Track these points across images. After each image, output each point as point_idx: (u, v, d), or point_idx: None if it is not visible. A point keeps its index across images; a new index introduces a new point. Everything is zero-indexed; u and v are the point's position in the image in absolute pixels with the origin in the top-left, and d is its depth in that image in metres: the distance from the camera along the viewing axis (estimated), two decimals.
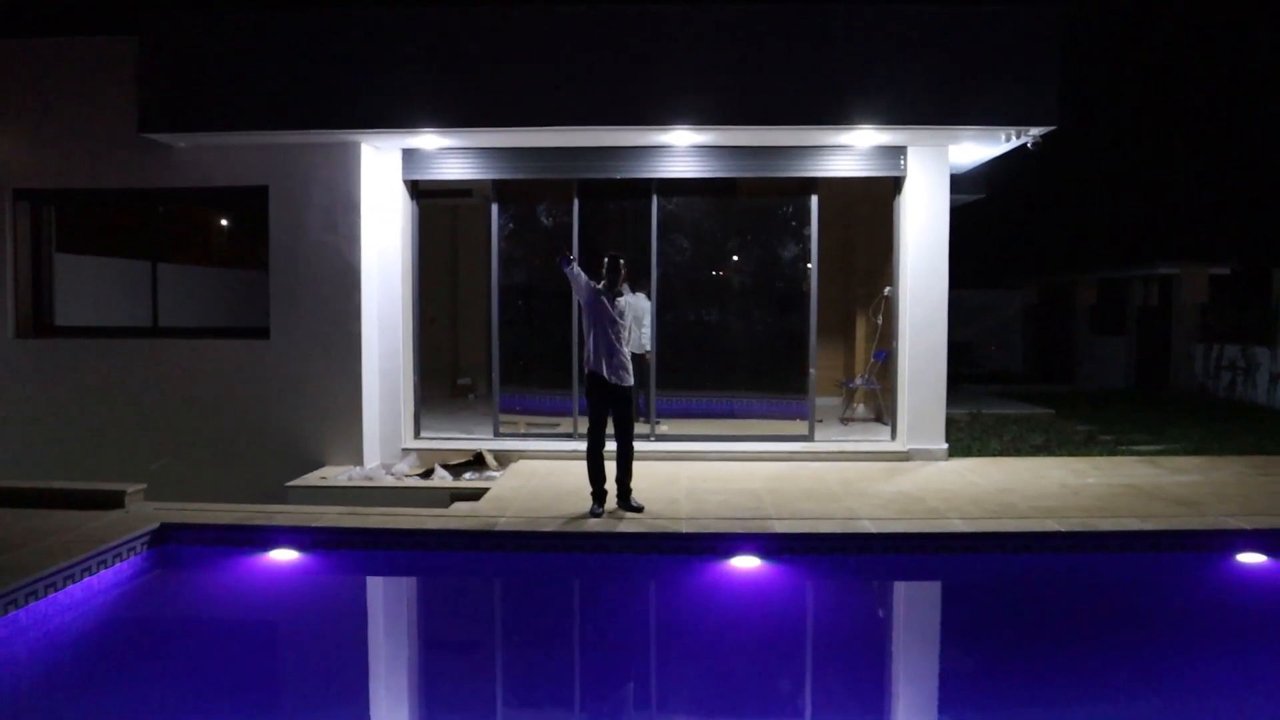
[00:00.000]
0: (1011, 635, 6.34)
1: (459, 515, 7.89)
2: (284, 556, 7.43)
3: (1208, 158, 21.77)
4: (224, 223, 11.31)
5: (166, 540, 7.49)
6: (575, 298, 7.93)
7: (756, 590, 7.07)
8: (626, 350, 8.00)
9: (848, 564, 7.28)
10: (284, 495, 9.34)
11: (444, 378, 15.93)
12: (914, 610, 7.15)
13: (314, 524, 7.54)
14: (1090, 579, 7.24)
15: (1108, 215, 23.72)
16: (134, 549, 7.18)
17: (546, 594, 7.26)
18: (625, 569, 7.33)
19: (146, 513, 7.88)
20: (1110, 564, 7.29)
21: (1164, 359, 18.09)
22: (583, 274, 7.91)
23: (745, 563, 7.20)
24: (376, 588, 7.48)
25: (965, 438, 11.69)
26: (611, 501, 8.08)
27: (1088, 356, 20.57)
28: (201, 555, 7.51)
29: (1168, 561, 7.29)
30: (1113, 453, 11.09)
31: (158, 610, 6.96)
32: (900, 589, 7.43)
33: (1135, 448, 11.43)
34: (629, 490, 8.12)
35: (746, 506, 8.18)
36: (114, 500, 8.03)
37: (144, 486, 8.31)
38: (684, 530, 7.38)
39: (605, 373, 7.90)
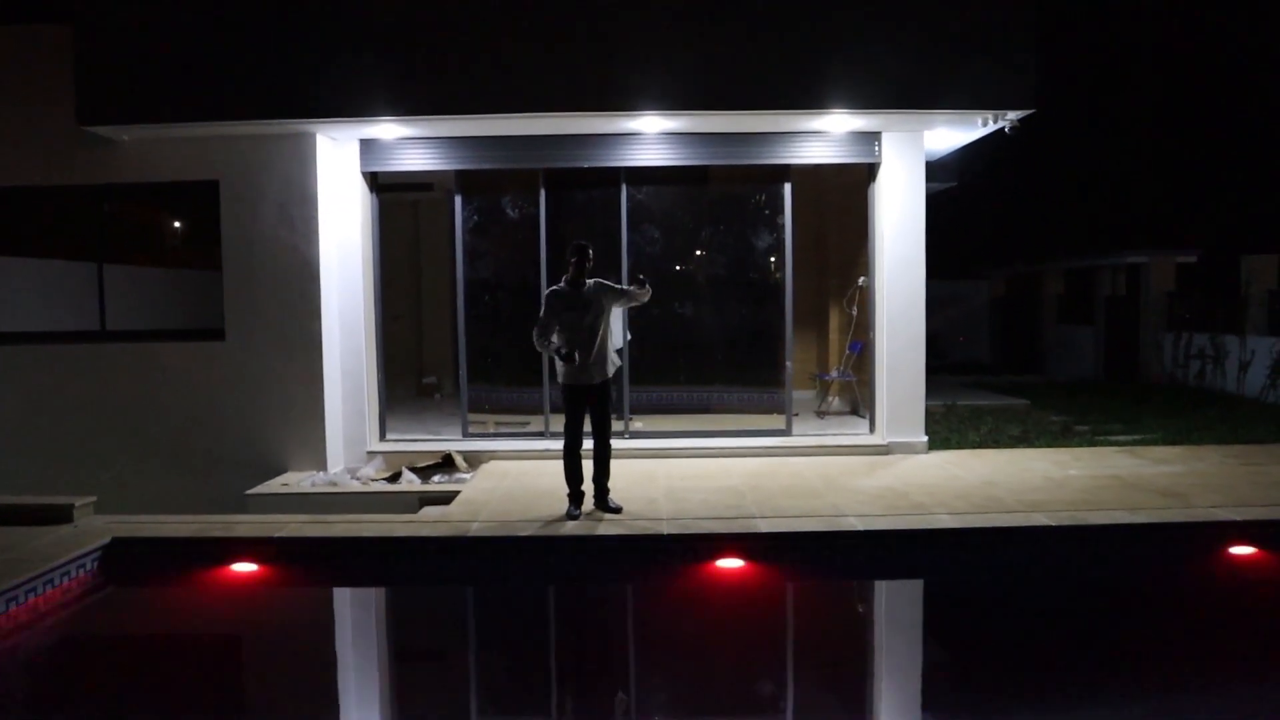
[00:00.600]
0: (1004, 634, 6.11)
1: (429, 521, 7.54)
2: (244, 569, 7.04)
3: (1173, 144, 21.76)
4: (174, 220, 10.81)
5: (118, 555, 7.08)
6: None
7: (743, 593, 6.79)
8: (600, 344, 7.64)
9: (835, 563, 7.02)
10: (244, 504, 8.93)
11: (409, 377, 15.52)
12: (904, 610, 6.89)
13: (275, 534, 7.16)
14: (1081, 574, 7.04)
15: (1074, 204, 23.67)
16: (84, 566, 6.79)
17: (524, 602, 6.92)
18: (606, 573, 7.02)
19: (97, 527, 7.46)
20: (1101, 558, 7.10)
21: (1132, 348, 18.05)
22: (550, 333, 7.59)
23: (730, 564, 6.92)
24: (344, 600, 7.11)
25: (943, 429, 11.49)
26: (588, 503, 7.76)
27: (1056, 347, 20.55)
28: (156, 570, 7.12)
29: (1158, 555, 7.11)
30: (1091, 443, 10.94)
31: (110, 630, 6.55)
32: (890, 588, 7.17)
33: (1113, 438, 11.29)
34: (607, 490, 7.82)
35: (728, 505, 7.90)
36: (61, 514, 7.59)
37: (94, 499, 7.87)
38: (665, 531, 7.08)
39: (580, 378, 7.56)
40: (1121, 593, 6.81)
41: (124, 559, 7.07)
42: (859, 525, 7.18)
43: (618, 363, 7.93)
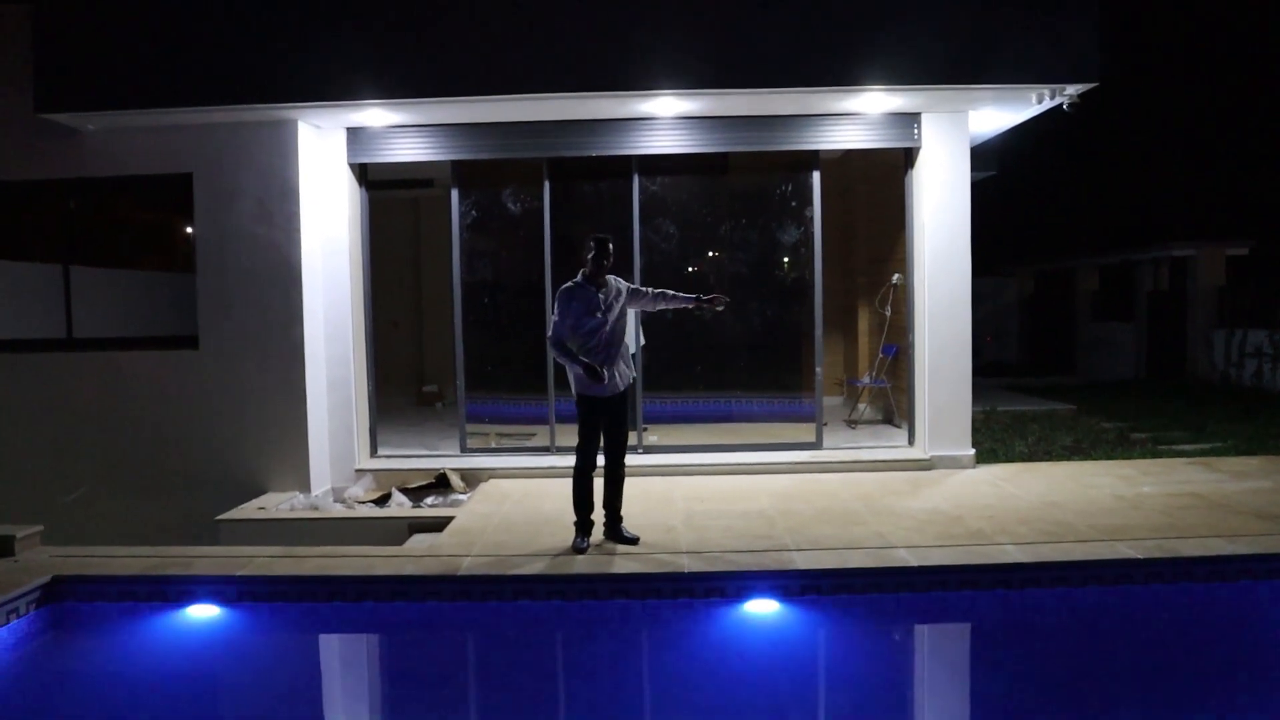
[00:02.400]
0: (1093, 690, 5.12)
1: (414, 555, 6.59)
2: (203, 613, 6.12)
3: (1221, 129, 20.54)
4: (146, 218, 9.91)
5: (61, 595, 6.20)
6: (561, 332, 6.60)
7: (778, 642, 5.81)
8: (623, 347, 6.68)
9: (885, 605, 6.03)
10: (216, 530, 8.01)
11: (409, 386, 14.65)
12: (972, 662, 5.91)
13: (238, 572, 6.22)
14: (1178, 615, 6.03)
15: (1109, 196, 22.55)
16: (17, 609, 5.91)
17: (522, 652, 5.97)
18: (618, 618, 6.05)
19: (40, 562, 6.56)
20: (1199, 596, 6.09)
21: (1179, 347, 16.97)
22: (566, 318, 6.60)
23: (762, 607, 5.96)
24: (314, 649, 6.17)
25: (986, 439, 10.49)
26: (597, 532, 6.81)
27: (1091, 346, 19.46)
28: (103, 614, 6.20)
29: (1267, 591, 6.10)
30: (1154, 454, 9.92)
31: (46, 686, 5.60)
32: (953, 635, 6.18)
33: (1177, 447, 10.27)
34: (620, 517, 6.86)
35: (756, 534, 6.93)
36: (1, 547, 6.69)
37: (39, 529, 6.96)
38: (686, 568, 6.11)
39: (600, 389, 6.56)
40: (1226, 639, 5.81)
41: (66, 601, 6.17)
42: (911, 559, 6.20)
43: (634, 373, 6.95)
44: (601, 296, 6.55)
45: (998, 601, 6.07)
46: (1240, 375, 15.40)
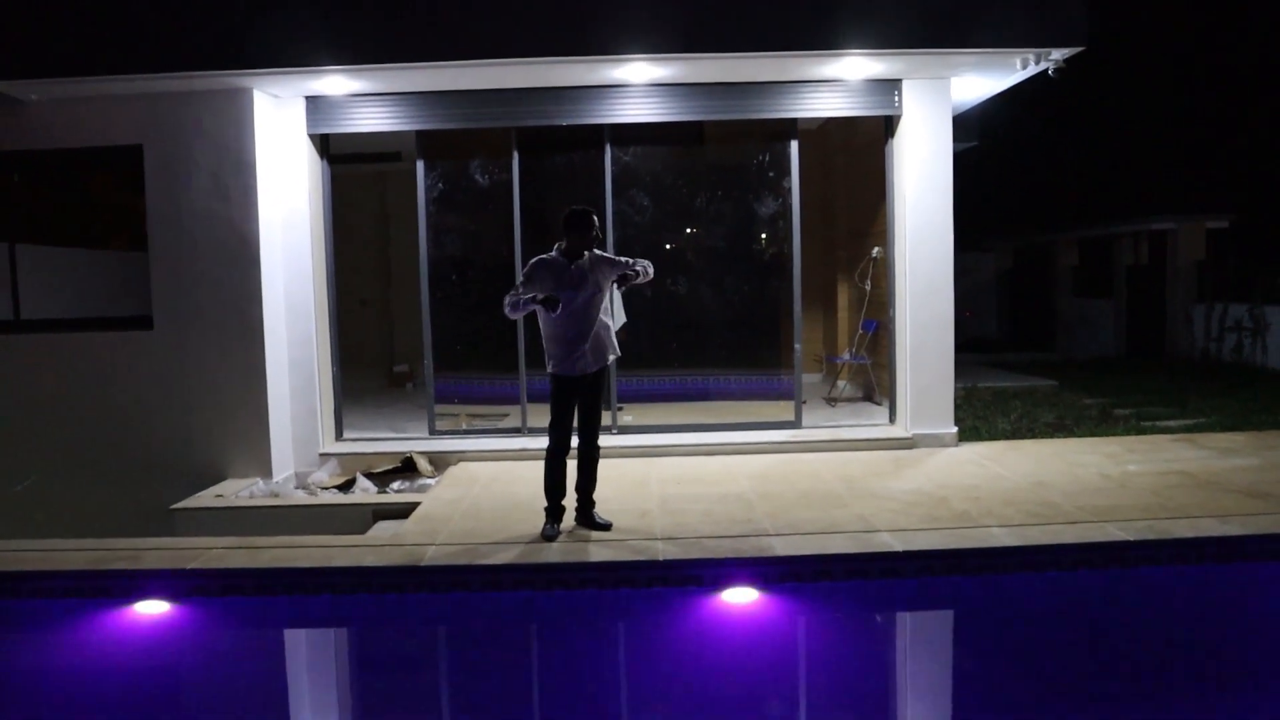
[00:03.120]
0: (1085, 678, 4.89)
1: (377, 544, 6.28)
2: (152, 609, 5.79)
3: (1200, 100, 20.27)
4: (95, 194, 9.48)
5: None
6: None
7: (757, 633, 5.55)
8: (597, 326, 6.34)
9: (869, 592, 5.79)
10: (171, 520, 7.67)
11: (379, 366, 14.28)
12: (959, 651, 5.66)
13: (189, 565, 5.89)
14: (1171, 599, 5.82)
15: (1090, 168, 22.29)
16: None
17: (489, 646, 5.68)
18: (589, 609, 5.77)
19: None
20: (1192, 578, 5.88)
21: (1158, 322, 16.82)
22: (531, 290, 6.23)
23: (739, 595, 5.69)
24: (270, 646, 5.85)
25: (968, 417, 10.26)
26: (568, 518, 6.52)
27: (1071, 321, 19.31)
28: (43, 613, 5.86)
29: (1265, 573, 5.89)
30: (1139, 430, 9.72)
31: None
32: (939, 623, 5.94)
33: (1161, 423, 10.07)
34: (592, 502, 6.57)
35: (735, 518, 6.66)
36: None
37: None
38: (661, 556, 5.84)
39: (574, 366, 6.27)
40: (1223, 624, 5.59)
41: (4, 597, 5.83)
42: (896, 544, 5.94)
43: (617, 351, 6.60)
44: (574, 270, 6.23)
45: (985, 587, 5.83)
46: (1220, 350, 15.26)
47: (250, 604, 5.81)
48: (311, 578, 5.80)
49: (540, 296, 6.08)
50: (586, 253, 6.28)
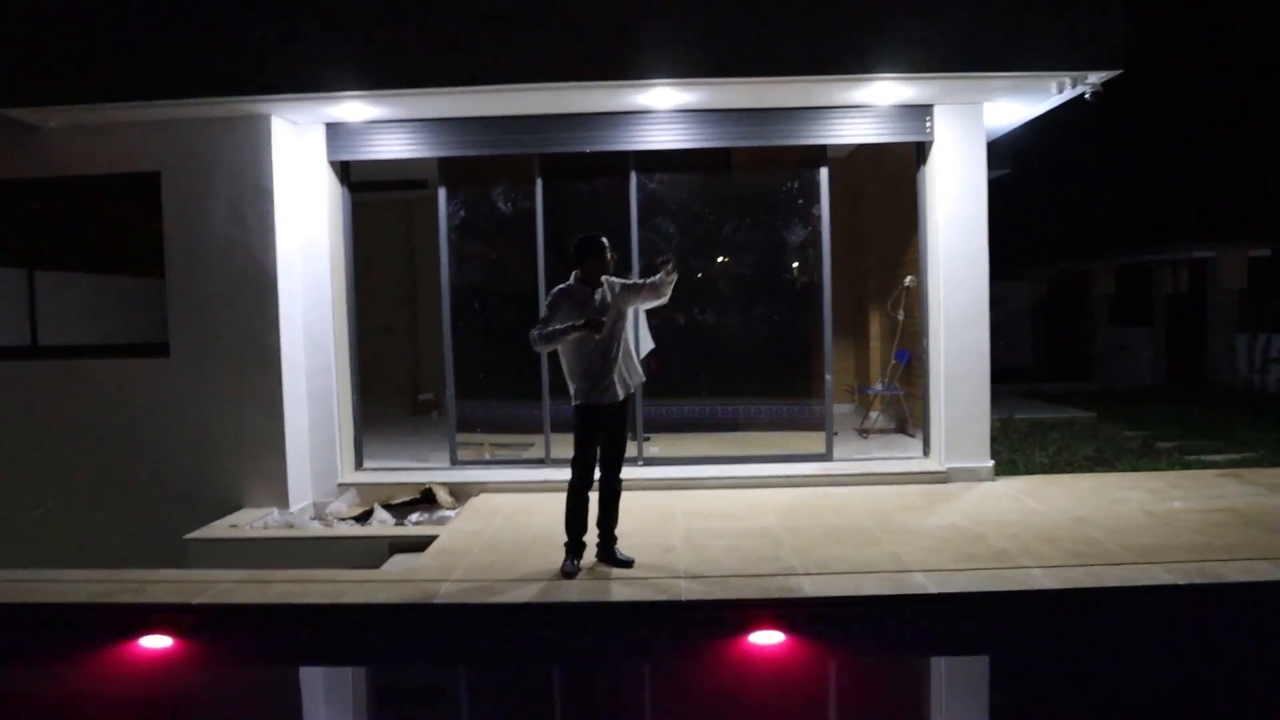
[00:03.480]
0: None
1: (390, 580, 6.08)
2: (156, 644, 5.60)
3: (1239, 126, 19.79)
4: (113, 220, 9.40)
5: (3, 625, 5.68)
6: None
7: (783, 678, 5.27)
8: (622, 354, 6.14)
9: (902, 635, 5.50)
10: (184, 550, 7.51)
11: (404, 393, 14.16)
12: (997, 701, 5.36)
13: (195, 600, 5.71)
14: (1221, 648, 5.49)
15: (1127, 195, 21.86)
16: None
17: (501, 689, 5.45)
18: (607, 651, 5.53)
19: None
20: (1244, 626, 5.54)
21: (1199, 352, 16.40)
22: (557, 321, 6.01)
23: (765, 638, 5.42)
24: (276, 685, 5.63)
25: (1003, 450, 9.95)
26: (589, 555, 6.29)
27: (1108, 351, 18.89)
28: (45, 646, 5.69)
29: None
30: (1183, 465, 9.36)
31: None
32: (975, 670, 5.64)
33: (1205, 457, 9.71)
34: (614, 538, 6.34)
35: (761, 555, 6.40)
36: None
37: None
38: (684, 596, 5.59)
39: (601, 396, 6.05)
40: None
41: (7, 631, 5.67)
42: (930, 585, 5.66)
43: (642, 376, 6.40)
44: (598, 297, 6.05)
45: (1023, 631, 5.53)
46: (1264, 381, 14.82)
47: (257, 640, 5.62)
48: (320, 614, 5.60)
49: (579, 322, 5.88)
50: (605, 279, 6.10)
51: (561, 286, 6.09)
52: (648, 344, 9.42)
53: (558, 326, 5.92)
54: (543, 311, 6.08)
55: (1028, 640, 5.52)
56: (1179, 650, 5.49)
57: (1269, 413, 12.46)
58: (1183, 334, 16.87)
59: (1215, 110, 20.10)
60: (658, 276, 6.11)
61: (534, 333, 5.97)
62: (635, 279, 6.40)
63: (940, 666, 5.66)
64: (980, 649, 5.60)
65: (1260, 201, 18.85)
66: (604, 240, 6.07)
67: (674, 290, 6.17)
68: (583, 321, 5.86)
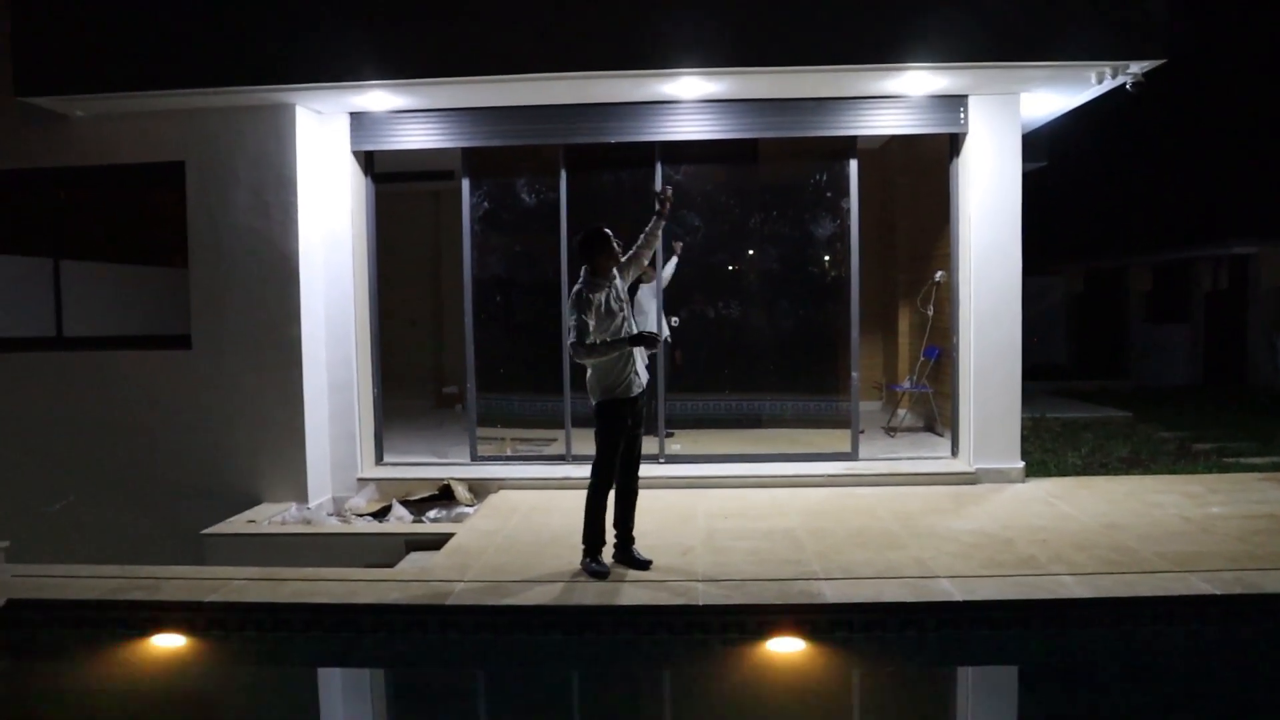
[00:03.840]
0: None
1: (403, 579, 5.99)
2: (169, 642, 5.55)
3: None
4: (138, 210, 9.37)
5: (16, 621, 5.66)
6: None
7: (802, 687, 5.14)
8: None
9: (926, 644, 5.33)
10: (201, 546, 7.46)
11: (428, 387, 14.09)
12: (1023, 713, 5.19)
13: (208, 598, 5.65)
14: (1261, 663, 5.29)
15: (1165, 189, 21.38)
16: None
17: (513, 693, 5.35)
18: (622, 655, 5.40)
19: (2, 581, 6.02)
20: None
21: (1239, 350, 16.03)
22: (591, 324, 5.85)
23: (785, 645, 5.28)
24: (286, 685, 5.56)
25: (1035, 450, 9.73)
26: (607, 553, 6.16)
27: (1147, 348, 18.51)
28: (60, 643, 5.65)
29: None
30: (1220, 468, 9.10)
31: None
32: (1003, 681, 5.47)
33: (1245, 460, 9.44)
34: (632, 538, 6.21)
35: (782, 558, 6.25)
36: None
37: (4, 545, 6.44)
38: (701, 600, 5.45)
39: (625, 390, 5.91)
40: None
41: (22, 625, 5.63)
42: (955, 592, 5.49)
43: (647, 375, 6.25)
44: (614, 291, 5.92)
45: (1053, 642, 5.35)
46: None
47: (268, 639, 5.54)
48: (332, 614, 5.51)
49: (637, 334, 5.76)
50: (616, 270, 5.98)
51: (581, 287, 5.88)
52: (663, 330, 9.25)
53: (605, 338, 5.77)
54: (571, 318, 5.80)
55: (1057, 652, 5.33)
56: (1214, 664, 5.30)
57: None
58: (1221, 332, 16.49)
59: (1258, 103, 19.59)
60: (647, 228, 6.08)
61: (576, 346, 5.74)
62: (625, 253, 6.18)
63: (965, 677, 5.50)
64: (1007, 659, 5.42)
65: None
66: (608, 231, 5.92)
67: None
68: (638, 335, 5.75)
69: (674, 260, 9.28)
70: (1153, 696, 5.07)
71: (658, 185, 6.03)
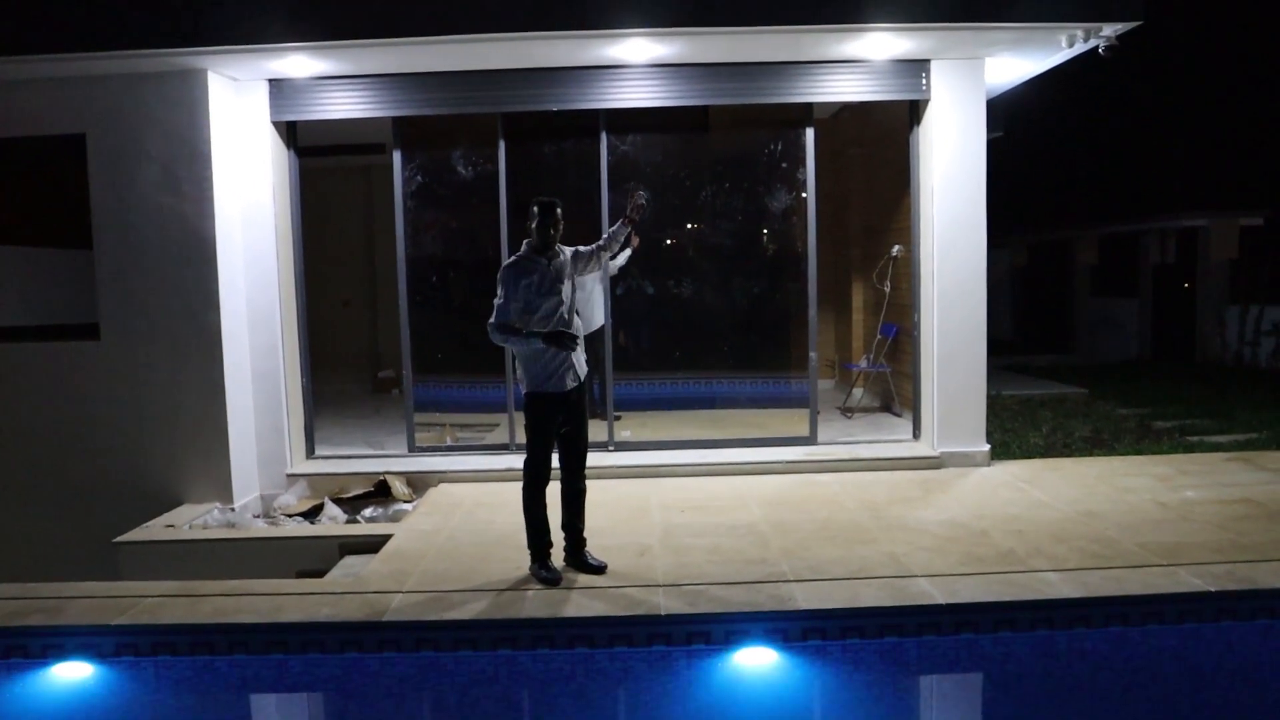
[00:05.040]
0: None
1: (335, 591, 5.44)
2: (72, 672, 4.96)
3: (1233, 90, 19.06)
4: (41, 187, 8.59)
5: None
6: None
7: (774, 701, 4.72)
8: (578, 327, 5.56)
9: (906, 651, 4.93)
10: (115, 555, 6.83)
11: (364, 371, 13.45)
12: None
13: (116, 621, 5.05)
14: (1258, 663, 4.98)
15: (1112, 161, 21.25)
16: None
17: (461, 717, 4.85)
18: (576, 674, 4.93)
19: None
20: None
21: (1187, 324, 15.94)
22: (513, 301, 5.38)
23: (754, 655, 4.86)
24: (207, 717, 5.01)
25: (995, 429, 9.41)
26: (557, 558, 5.67)
27: (1094, 322, 18.41)
28: None
29: None
30: (1185, 447, 8.87)
31: None
32: (987, 689, 5.09)
33: (1209, 439, 9.22)
34: (583, 540, 5.73)
35: (747, 556, 5.82)
36: None
37: None
38: (663, 610, 4.99)
39: (554, 384, 5.44)
40: None
41: None
42: (936, 593, 5.10)
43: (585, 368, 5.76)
44: (554, 270, 5.41)
45: (1040, 645, 4.98)
46: (1256, 355, 14.39)
47: (186, 664, 4.97)
48: (256, 634, 4.96)
49: (545, 332, 5.27)
50: (559, 247, 5.47)
51: (512, 261, 5.40)
52: (598, 319, 8.74)
53: (518, 328, 5.33)
54: (498, 295, 5.38)
55: (1044, 656, 4.97)
56: (1213, 668, 4.98)
57: (1264, 389, 12.00)
58: (1171, 306, 16.41)
59: (1209, 72, 19.48)
60: (612, 231, 5.70)
61: (494, 328, 5.35)
62: (583, 247, 5.70)
63: (949, 685, 5.12)
64: (993, 666, 5.04)
65: (1254, 168, 18.29)
66: (557, 209, 5.40)
67: (648, 261, 5.56)
68: (550, 333, 5.26)
69: (628, 252, 8.81)
70: (1145, 704, 4.74)
71: (641, 198, 5.59)
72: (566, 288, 5.46)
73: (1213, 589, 5.05)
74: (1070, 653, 4.93)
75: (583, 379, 5.57)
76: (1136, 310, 17.16)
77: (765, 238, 9.76)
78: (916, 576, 5.37)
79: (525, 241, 5.44)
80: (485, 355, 8.72)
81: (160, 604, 5.29)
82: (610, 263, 8.57)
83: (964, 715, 5.00)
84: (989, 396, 10.80)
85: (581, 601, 5.16)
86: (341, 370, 13.01)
